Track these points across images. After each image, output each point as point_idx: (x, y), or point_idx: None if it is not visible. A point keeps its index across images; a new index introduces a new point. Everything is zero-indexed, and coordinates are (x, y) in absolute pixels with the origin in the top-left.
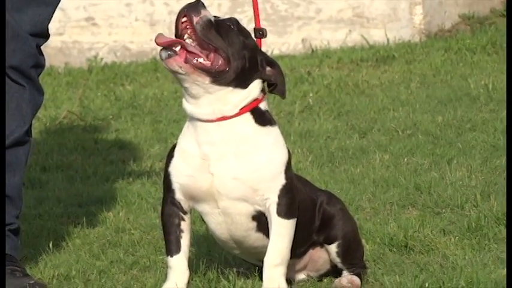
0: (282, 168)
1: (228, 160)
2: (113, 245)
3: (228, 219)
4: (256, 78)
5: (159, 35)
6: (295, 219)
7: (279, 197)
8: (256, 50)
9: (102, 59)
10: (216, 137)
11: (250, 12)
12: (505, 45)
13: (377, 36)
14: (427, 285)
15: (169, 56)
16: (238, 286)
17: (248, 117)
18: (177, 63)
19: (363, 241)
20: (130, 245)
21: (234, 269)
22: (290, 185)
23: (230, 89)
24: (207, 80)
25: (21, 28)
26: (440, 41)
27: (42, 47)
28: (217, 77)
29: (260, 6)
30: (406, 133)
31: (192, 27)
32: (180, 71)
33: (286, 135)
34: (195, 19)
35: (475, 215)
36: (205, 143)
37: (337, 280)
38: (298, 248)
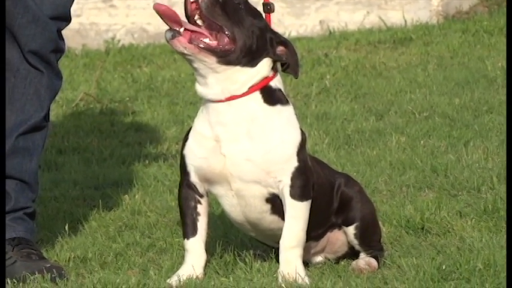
0: (295, 150)
1: (240, 141)
2: (129, 228)
3: (242, 201)
4: (265, 57)
5: (157, 3)
6: (310, 201)
7: (292, 179)
8: (265, 29)
9: (119, 40)
10: (227, 117)
11: None
12: None
13: (395, 18)
14: (444, 267)
15: (173, 37)
16: (255, 268)
17: (257, 96)
18: (181, 43)
19: (380, 224)
20: (146, 228)
21: (251, 252)
22: (303, 167)
23: (238, 67)
24: (213, 59)
25: (42, 12)
26: (458, 23)
27: None
28: (223, 57)
29: None
30: (422, 115)
31: (199, 6)
32: (185, 51)
33: (302, 117)
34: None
35: (492, 198)
36: (217, 124)
37: (354, 262)
38: (317, 230)
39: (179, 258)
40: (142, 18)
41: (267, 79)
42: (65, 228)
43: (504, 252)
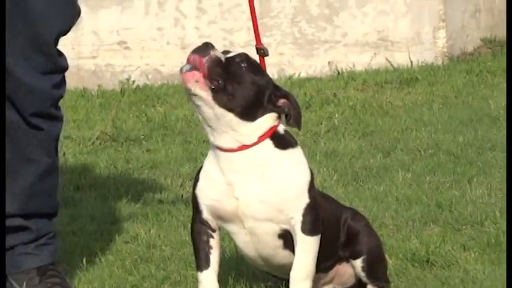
0: (306, 187)
1: (253, 185)
2: (145, 261)
3: (254, 238)
4: (265, 113)
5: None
6: (319, 236)
7: (303, 215)
8: (265, 85)
9: (134, 81)
10: (240, 165)
11: (279, 36)
12: None
13: (401, 59)
14: None
15: (190, 70)
16: None
17: (268, 143)
18: (194, 77)
19: (387, 256)
20: (161, 261)
21: (262, 284)
22: (314, 204)
23: (237, 119)
24: (209, 96)
25: (35, 81)
26: (462, 64)
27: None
28: (217, 93)
29: (288, 30)
30: (428, 153)
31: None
32: (194, 86)
33: (312, 155)
34: (204, 60)
35: (494, 231)
36: (229, 171)
37: None
38: (325, 263)
39: None
40: (156, 59)
41: (274, 127)
42: (82, 261)
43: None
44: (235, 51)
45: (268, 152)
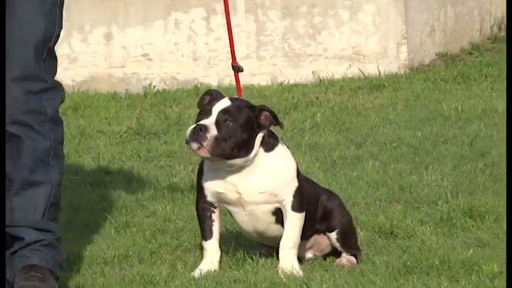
0: (294, 174)
1: (253, 181)
2: (162, 232)
3: (253, 217)
4: (257, 135)
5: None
6: (305, 212)
7: (293, 196)
8: (250, 119)
9: (155, 86)
10: (241, 174)
11: (272, 51)
12: (471, 76)
13: (371, 69)
14: (408, 263)
15: (199, 148)
16: (260, 264)
17: (260, 151)
18: (204, 152)
19: (358, 229)
20: (175, 232)
21: (257, 251)
22: (301, 186)
23: (243, 159)
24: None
25: (9, 74)
26: (421, 73)
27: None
28: (221, 156)
29: (279, 45)
30: (392, 145)
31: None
32: (208, 155)
33: (298, 147)
34: (204, 144)
35: (446, 209)
36: (232, 177)
37: (338, 260)
38: (306, 232)
39: (200, 256)
40: (173, 69)
41: (262, 138)
42: (111, 232)
43: (456, 251)
44: (216, 108)
45: (262, 157)
